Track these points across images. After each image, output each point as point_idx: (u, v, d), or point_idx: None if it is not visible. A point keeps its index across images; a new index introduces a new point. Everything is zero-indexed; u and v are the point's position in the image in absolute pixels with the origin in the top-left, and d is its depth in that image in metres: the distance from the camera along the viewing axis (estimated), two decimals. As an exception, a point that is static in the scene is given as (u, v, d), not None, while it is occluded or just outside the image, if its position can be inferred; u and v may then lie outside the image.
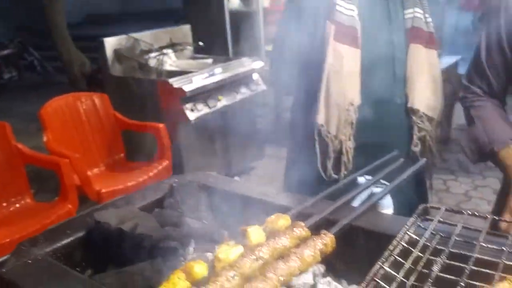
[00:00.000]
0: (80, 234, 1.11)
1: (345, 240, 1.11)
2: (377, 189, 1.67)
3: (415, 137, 1.71)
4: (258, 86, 4.56)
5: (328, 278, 1.18)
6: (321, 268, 1.20)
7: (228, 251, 0.96)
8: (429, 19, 1.71)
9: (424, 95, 1.69)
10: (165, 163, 3.77)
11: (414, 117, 1.70)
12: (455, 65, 4.92)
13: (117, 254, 1.08)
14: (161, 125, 3.77)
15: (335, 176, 1.70)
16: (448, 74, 4.76)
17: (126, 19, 10.73)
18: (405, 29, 1.68)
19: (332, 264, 1.21)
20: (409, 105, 1.68)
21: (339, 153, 1.69)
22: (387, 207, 1.48)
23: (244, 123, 4.55)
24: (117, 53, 4.22)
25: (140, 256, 1.05)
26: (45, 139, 3.56)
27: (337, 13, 1.61)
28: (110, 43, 4.22)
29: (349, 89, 1.63)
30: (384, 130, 1.71)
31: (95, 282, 0.94)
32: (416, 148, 1.71)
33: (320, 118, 1.68)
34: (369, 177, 1.42)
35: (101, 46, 4.18)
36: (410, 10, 1.69)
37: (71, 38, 6.98)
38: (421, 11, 1.70)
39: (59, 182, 3.32)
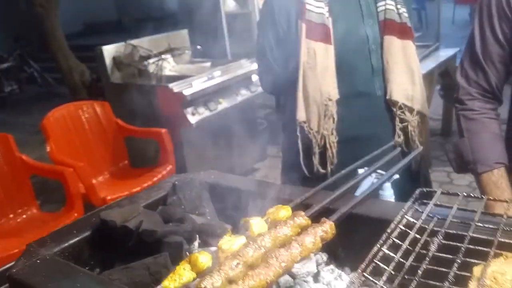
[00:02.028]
0: (87, 233, 1.14)
1: (347, 228, 1.13)
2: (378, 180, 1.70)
3: (397, 128, 1.73)
4: (258, 88, 4.57)
5: (331, 266, 1.21)
6: (324, 257, 1.23)
7: (231, 242, 0.99)
8: (402, 10, 1.73)
9: (402, 86, 1.71)
10: (169, 167, 3.80)
11: (394, 109, 1.72)
12: (453, 58, 4.93)
13: (124, 251, 1.11)
14: (163, 130, 3.80)
15: (323, 171, 1.72)
16: (447, 67, 4.79)
17: (125, 26, 10.77)
18: (378, 21, 1.71)
19: (335, 252, 1.23)
20: (387, 97, 1.71)
21: (323, 148, 1.72)
22: (389, 198, 1.50)
23: (246, 124, 4.55)
24: (116, 60, 4.26)
25: (145, 252, 1.07)
26: (48, 149, 3.59)
27: (307, 12, 1.66)
28: (109, 51, 4.26)
29: (325, 84, 1.66)
30: (368, 123, 1.74)
31: (104, 278, 0.97)
32: (399, 139, 1.73)
33: (301, 116, 1.71)
34: (381, 171, 1.44)
35: (100, 54, 4.22)
36: (382, 3, 1.72)
37: (69, 48, 7.01)
38: (393, 3, 1.72)
39: (65, 192, 3.35)
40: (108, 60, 4.26)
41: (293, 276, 1.17)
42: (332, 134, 1.69)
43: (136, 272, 1.00)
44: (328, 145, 1.70)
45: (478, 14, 1.59)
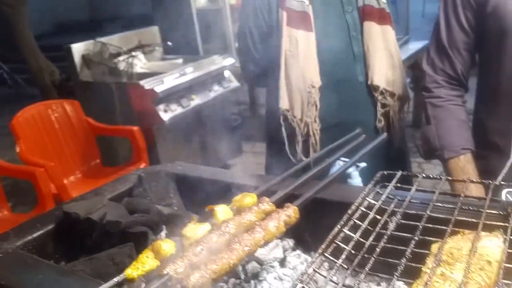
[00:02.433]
0: (50, 227, 1.13)
1: (313, 214, 1.14)
2: (350, 169, 1.72)
3: (378, 113, 1.76)
4: (231, 83, 4.58)
5: (298, 251, 1.22)
6: (291, 242, 1.24)
7: (195, 229, 0.99)
8: None
9: (382, 71, 1.73)
10: (142, 165, 3.77)
11: (376, 94, 1.74)
12: (423, 51, 4.98)
13: (88, 243, 1.10)
14: (135, 128, 3.76)
15: (306, 160, 1.73)
16: (417, 59, 4.85)
17: (96, 26, 10.63)
18: (357, 8, 1.74)
19: (302, 237, 1.25)
20: (369, 82, 1.73)
21: (307, 135, 1.73)
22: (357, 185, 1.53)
23: (220, 120, 4.56)
24: (85, 58, 4.20)
25: (110, 243, 1.07)
26: (18, 149, 3.52)
27: (287, 0, 1.68)
28: (78, 49, 4.20)
29: (307, 72, 1.68)
30: (351, 109, 1.75)
31: (67, 269, 0.96)
32: (380, 124, 1.76)
33: (284, 103, 1.73)
34: (345, 159, 1.45)
35: (69, 52, 4.16)
36: None
37: (40, 48, 6.89)
38: None
39: (36, 192, 3.30)
40: (77, 58, 4.19)
41: (260, 262, 1.18)
42: (315, 121, 1.71)
43: (101, 263, 1.00)
44: (311, 133, 1.72)
45: (443, 3, 1.61)
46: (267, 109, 1.96)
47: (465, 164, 1.53)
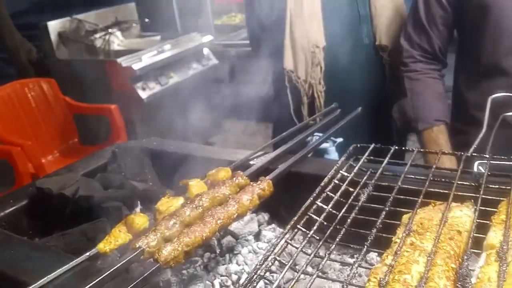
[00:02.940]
0: (23, 202, 1.12)
1: (288, 188, 1.15)
2: (326, 144, 1.72)
3: (387, 76, 1.75)
4: (210, 61, 4.54)
5: (273, 225, 1.23)
6: (266, 216, 1.25)
7: (168, 203, 0.99)
8: None
9: (391, 31, 1.72)
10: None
11: (383, 55, 1.73)
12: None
13: (61, 219, 1.09)
14: (113, 106, 3.72)
15: (312, 122, 1.71)
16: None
17: (73, 4, 10.40)
18: None
19: (277, 211, 1.25)
20: (377, 42, 1.72)
21: (312, 97, 1.72)
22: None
23: (199, 98, 4.52)
24: (61, 36, 4.12)
25: (84, 219, 1.06)
26: (-6, 128, 3.47)
27: None
28: (54, 26, 4.12)
29: (311, 31, 1.68)
30: (356, 73, 1.73)
31: (39, 244, 0.96)
32: (388, 88, 1.74)
33: (288, 64, 1.74)
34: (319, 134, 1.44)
35: (45, 30, 4.08)
36: None
37: (16, 27, 6.73)
38: None
39: (14, 173, 3.26)
40: (53, 36, 4.11)
41: (235, 236, 1.19)
42: (320, 83, 1.70)
43: (73, 238, 1.00)
44: (316, 95, 1.70)
45: None
46: (273, 74, 1.93)
47: (437, 135, 1.54)
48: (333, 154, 1.72)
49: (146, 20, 4.49)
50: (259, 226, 1.21)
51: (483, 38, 1.46)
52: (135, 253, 0.83)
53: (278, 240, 0.84)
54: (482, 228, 0.85)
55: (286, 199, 1.18)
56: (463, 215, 0.88)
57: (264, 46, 1.95)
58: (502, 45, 1.43)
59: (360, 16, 1.71)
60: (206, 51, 4.50)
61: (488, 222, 0.86)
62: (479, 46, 1.48)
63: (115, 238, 0.90)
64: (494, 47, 1.44)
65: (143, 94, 3.86)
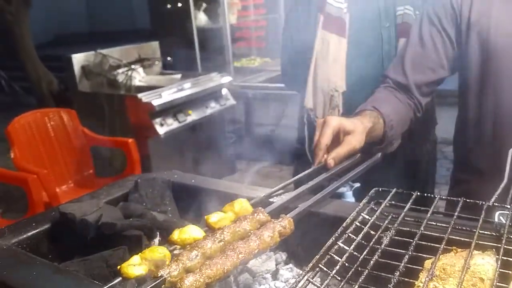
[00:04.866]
0: (46, 226, 1.13)
1: (307, 228, 1.15)
2: (343, 188, 1.72)
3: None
4: (228, 101, 4.62)
5: (290, 265, 1.23)
6: (284, 256, 1.25)
7: (189, 234, 1.00)
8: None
9: None
10: (135, 177, 3.76)
11: None
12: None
13: (83, 245, 1.10)
14: (130, 140, 3.77)
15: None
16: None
17: (95, 39, 10.70)
18: (395, 24, 1.76)
19: (294, 251, 1.25)
20: None
21: None
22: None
23: (215, 137, 4.58)
24: (85, 69, 4.23)
25: (105, 246, 1.07)
26: (12, 155, 3.53)
27: (327, 5, 1.75)
28: (78, 59, 4.23)
29: (334, 75, 1.74)
30: None
31: (61, 267, 0.96)
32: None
33: (308, 103, 1.79)
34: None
35: (69, 62, 4.19)
36: (401, 8, 1.77)
37: (39, 58, 6.92)
38: (412, 8, 1.77)
39: (27, 199, 3.29)
40: (76, 69, 4.23)
41: (252, 274, 1.18)
42: None
43: (94, 264, 1.00)
44: None
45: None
46: (299, 111, 1.95)
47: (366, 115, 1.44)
48: (349, 199, 1.73)
49: (169, 58, 4.60)
50: (276, 265, 1.21)
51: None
52: (157, 281, 0.83)
53: (300, 278, 0.84)
54: (504, 277, 0.85)
55: (304, 239, 1.19)
56: (485, 263, 0.88)
57: (294, 82, 1.99)
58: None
59: (383, 69, 1.76)
60: (224, 91, 4.59)
61: (510, 272, 0.86)
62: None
63: (133, 267, 0.90)
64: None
65: (161, 130, 3.93)
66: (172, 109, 4.06)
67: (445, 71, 1.53)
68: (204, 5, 5.35)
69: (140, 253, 0.94)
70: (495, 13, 1.40)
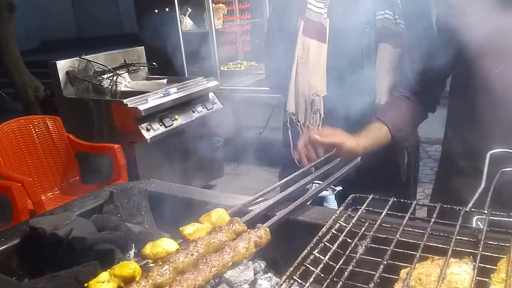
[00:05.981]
0: (16, 241, 1.10)
1: (285, 236, 1.13)
2: (326, 192, 1.71)
3: None
4: (215, 105, 4.59)
5: (269, 274, 1.21)
6: (262, 265, 1.23)
7: (162, 247, 0.97)
8: (399, 21, 1.77)
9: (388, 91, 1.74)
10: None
11: None
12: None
13: (53, 260, 1.07)
14: (115, 146, 3.73)
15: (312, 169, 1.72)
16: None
17: (82, 44, 10.65)
18: (375, 29, 1.75)
19: (273, 260, 1.23)
20: (376, 101, 1.75)
21: None
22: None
23: (202, 141, 4.55)
24: (69, 75, 4.20)
25: (76, 260, 1.04)
26: (-4, 163, 3.48)
27: (307, 10, 1.75)
28: (63, 65, 4.20)
29: (314, 80, 1.74)
30: (356, 122, 1.74)
31: (27, 285, 0.93)
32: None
33: (290, 107, 1.80)
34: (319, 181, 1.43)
35: (54, 68, 4.15)
36: (381, 12, 1.76)
37: (25, 64, 6.86)
38: (391, 13, 1.76)
39: (12, 208, 3.24)
40: (61, 75, 4.19)
41: (230, 284, 1.16)
42: (318, 129, 1.72)
43: (64, 281, 0.97)
44: None
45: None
46: (283, 115, 1.96)
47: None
48: (332, 202, 1.71)
49: (154, 64, 4.57)
50: (255, 274, 1.19)
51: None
52: (126, 299, 0.80)
53: (272, 291, 0.82)
54: (481, 285, 0.83)
55: (283, 247, 1.17)
56: (462, 272, 0.86)
57: (277, 86, 2.00)
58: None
59: (364, 73, 1.75)
60: (211, 95, 4.56)
61: (487, 279, 0.84)
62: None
63: (101, 284, 0.88)
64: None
65: (147, 135, 3.89)
66: (159, 114, 4.03)
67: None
68: (189, 10, 5.32)
69: (109, 269, 0.92)
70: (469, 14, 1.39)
